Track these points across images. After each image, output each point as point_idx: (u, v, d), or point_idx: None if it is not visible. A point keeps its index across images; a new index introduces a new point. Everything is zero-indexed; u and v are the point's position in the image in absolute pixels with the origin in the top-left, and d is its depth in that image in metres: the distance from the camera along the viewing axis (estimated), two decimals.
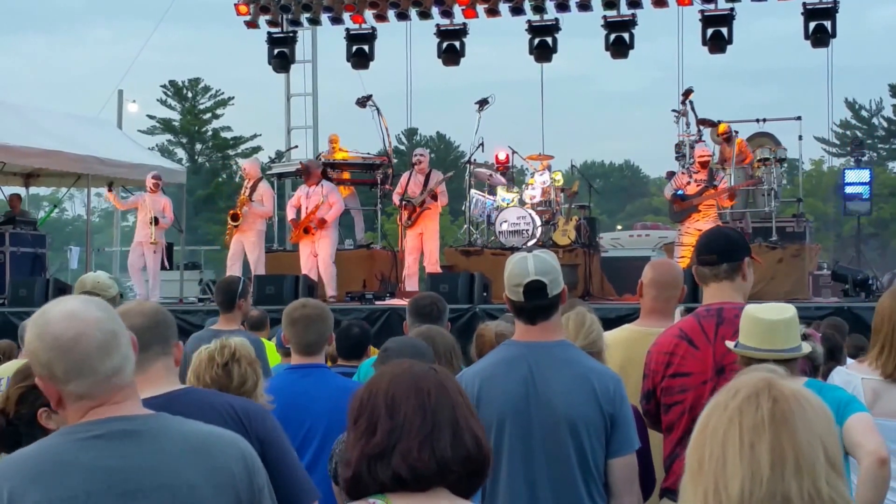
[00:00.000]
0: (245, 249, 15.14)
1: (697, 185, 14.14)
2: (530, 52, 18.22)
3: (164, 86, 59.46)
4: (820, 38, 16.97)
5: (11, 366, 8.08)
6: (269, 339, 7.87)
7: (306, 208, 14.38)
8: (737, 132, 15.99)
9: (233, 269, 14.78)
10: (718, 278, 4.32)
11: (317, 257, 14.40)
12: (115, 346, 2.38)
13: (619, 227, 44.39)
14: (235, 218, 14.94)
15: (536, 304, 3.78)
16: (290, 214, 14.73)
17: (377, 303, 13.61)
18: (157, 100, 59.23)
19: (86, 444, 2.31)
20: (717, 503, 1.74)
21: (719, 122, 16.55)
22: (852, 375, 4.38)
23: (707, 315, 4.25)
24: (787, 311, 3.87)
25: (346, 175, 16.38)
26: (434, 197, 14.73)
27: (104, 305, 2.44)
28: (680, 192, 14.23)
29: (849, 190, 20.12)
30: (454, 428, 2.32)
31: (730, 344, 3.92)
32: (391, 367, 2.47)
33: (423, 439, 2.29)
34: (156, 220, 15.42)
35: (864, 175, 20.63)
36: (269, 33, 19.33)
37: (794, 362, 3.83)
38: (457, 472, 2.31)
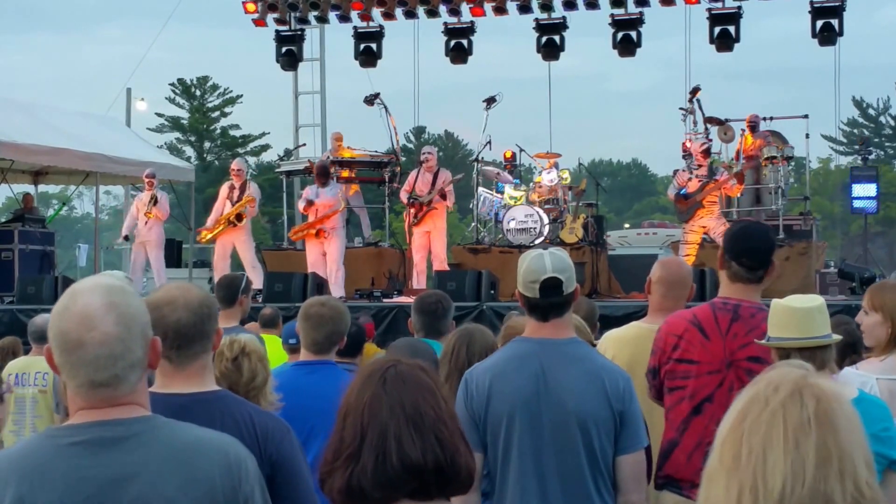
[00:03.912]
0: (237, 249, 15.24)
1: (699, 181, 14.16)
2: (538, 51, 18.22)
3: (172, 84, 59.57)
4: (827, 36, 16.97)
5: (17, 363, 8.16)
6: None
7: (316, 210, 14.47)
8: (749, 128, 15.96)
9: (223, 268, 14.86)
10: (752, 281, 4.32)
11: (325, 257, 14.48)
12: (110, 364, 2.30)
13: (627, 226, 44.42)
14: (240, 218, 15.00)
15: (552, 300, 3.81)
16: (300, 208, 14.84)
17: (385, 300, 13.64)
18: (166, 98, 59.34)
19: (66, 451, 2.28)
20: (754, 500, 1.71)
21: (726, 119, 16.56)
22: (867, 376, 4.33)
23: (723, 308, 4.28)
24: (816, 299, 3.88)
25: (353, 173, 16.43)
26: (443, 195, 14.74)
27: (124, 317, 2.34)
28: (683, 190, 14.25)
29: (856, 188, 20.13)
30: (415, 432, 2.30)
31: (761, 341, 3.91)
32: (358, 374, 2.47)
33: (378, 447, 2.28)
34: (155, 200, 15.60)
35: (872, 174, 20.64)
36: (276, 31, 19.37)
37: (830, 350, 3.83)
38: (421, 478, 2.29)
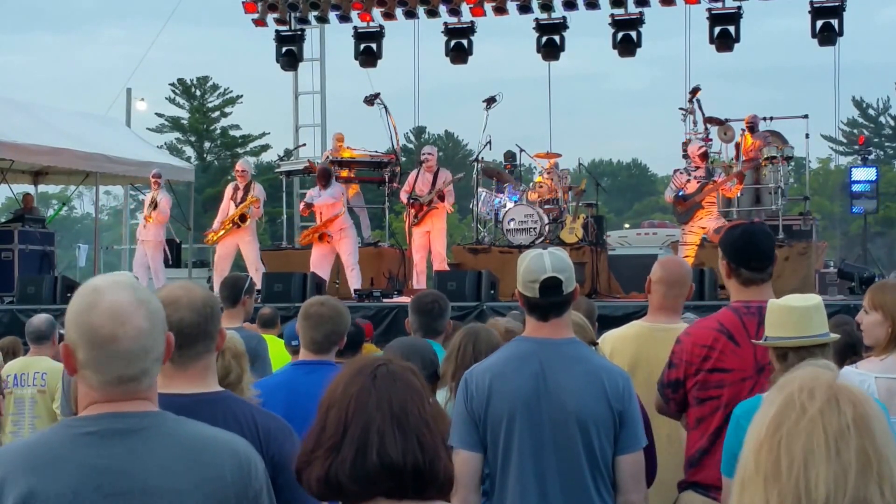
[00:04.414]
0: (241, 250, 15.21)
1: (697, 182, 14.15)
2: (538, 51, 18.22)
3: (172, 84, 59.59)
4: (827, 36, 16.98)
5: (16, 363, 8.16)
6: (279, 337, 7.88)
7: (320, 214, 14.48)
8: (749, 129, 15.96)
9: (226, 269, 14.83)
10: (765, 280, 4.33)
11: (328, 259, 14.49)
12: (142, 357, 2.35)
13: (627, 226, 44.40)
14: (244, 219, 14.98)
15: (551, 300, 3.80)
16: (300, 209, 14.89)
17: (385, 300, 13.63)
18: (166, 98, 59.36)
19: (81, 440, 2.30)
20: None
21: (726, 119, 16.56)
22: (866, 375, 4.32)
23: (748, 312, 4.26)
24: (813, 298, 3.86)
25: (353, 173, 16.43)
26: (441, 197, 14.75)
27: (152, 313, 2.39)
28: (681, 192, 14.25)
29: (855, 188, 20.13)
30: (395, 432, 2.29)
31: (758, 341, 3.90)
32: (347, 367, 2.45)
33: (358, 444, 2.27)
34: (155, 204, 15.66)
35: (871, 173, 20.63)
36: (277, 31, 19.38)
37: (828, 349, 3.81)
38: (399, 478, 2.28)
